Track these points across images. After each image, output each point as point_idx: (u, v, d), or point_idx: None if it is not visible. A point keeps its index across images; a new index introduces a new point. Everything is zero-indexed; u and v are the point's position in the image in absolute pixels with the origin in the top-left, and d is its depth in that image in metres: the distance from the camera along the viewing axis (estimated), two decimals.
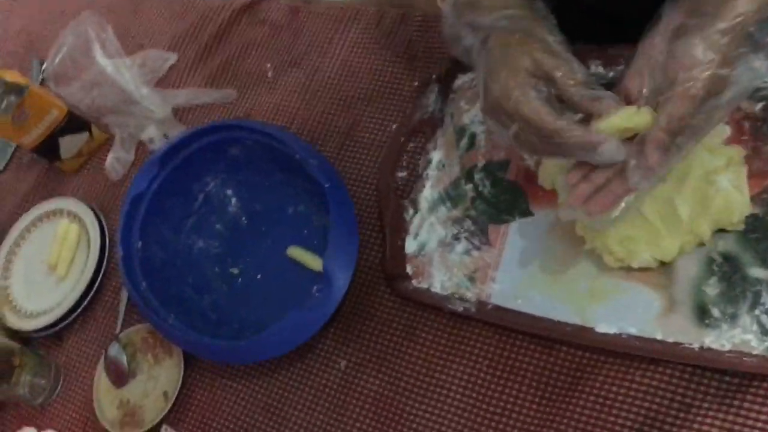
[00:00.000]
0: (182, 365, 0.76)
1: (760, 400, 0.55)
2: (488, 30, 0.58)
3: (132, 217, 0.76)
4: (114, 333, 0.81)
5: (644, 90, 0.52)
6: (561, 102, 0.55)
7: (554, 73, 0.54)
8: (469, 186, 0.72)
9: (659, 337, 0.59)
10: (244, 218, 0.82)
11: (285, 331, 0.64)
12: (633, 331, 0.60)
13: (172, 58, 0.95)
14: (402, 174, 0.75)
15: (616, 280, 0.63)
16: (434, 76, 0.78)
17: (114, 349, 0.80)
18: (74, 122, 0.92)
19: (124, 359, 0.79)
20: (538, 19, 0.57)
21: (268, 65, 0.89)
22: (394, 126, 0.79)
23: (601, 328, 0.61)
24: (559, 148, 0.53)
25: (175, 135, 0.86)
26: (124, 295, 0.83)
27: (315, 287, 0.65)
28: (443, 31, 0.62)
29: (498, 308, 0.66)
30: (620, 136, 0.52)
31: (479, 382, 0.64)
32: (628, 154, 0.52)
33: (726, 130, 0.63)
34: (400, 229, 0.72)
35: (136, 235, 0.76)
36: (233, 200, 0.82)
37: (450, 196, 0.72)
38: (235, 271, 0.80)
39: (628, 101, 0.53)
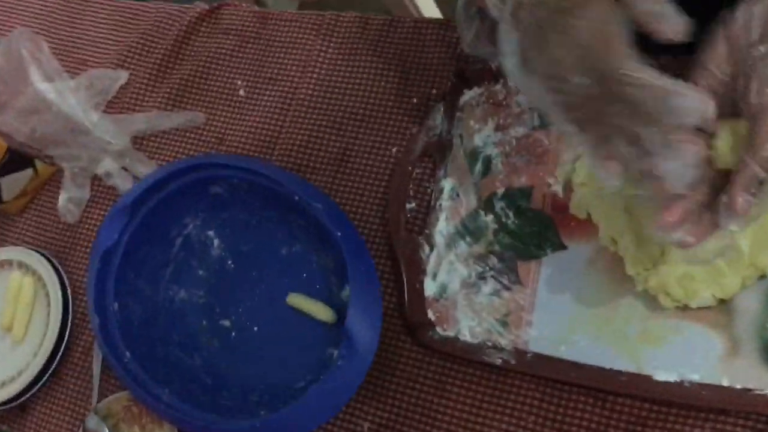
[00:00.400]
0: None
1: None
2: None
3: (104, 275, 0.66)
4: (90, 403, 0.71)
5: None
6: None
7: None
8: (490, 217, 0.65)
9: (725, 383, 0.55)
10: (230, 262, 0.73)
11: (306, 411, 0.56)
12: (695, 377, 0.55)
13: (123, 76, 0.84)
14: (411, 205, 0.68)
15: (671, 321, 0.57)
16: (434, 92, 0.71)
17: (92, 422, 0.70)
18: (15, 159, 0.80)
19: None
20: None
21: (239, 82, 0.79)
22: (395, 150, 0.71)
23: (660, 375, 0.56)
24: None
25: (144, 174, 0.75)
26: (97, 357, 0.73)
27: (335, 352, 0.57)
28: (457, 10, 0.55)
29: (539, 356, 0.60)
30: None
31: None
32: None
33: None
34: (417, 270, 0.65)
35: (110, 296, 0.66)
36: (215, 242, 0.73)
37: (468, 230, 0.65)
38: (227, 323, 0.71)
39: None
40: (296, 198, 0.62)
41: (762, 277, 0.56)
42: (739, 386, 0.54)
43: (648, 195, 0.54)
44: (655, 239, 0.57)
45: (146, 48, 0.84)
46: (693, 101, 0.42)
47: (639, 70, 0.42)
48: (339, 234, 0.59)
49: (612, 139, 0.44)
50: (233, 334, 0.70)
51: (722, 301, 0.56)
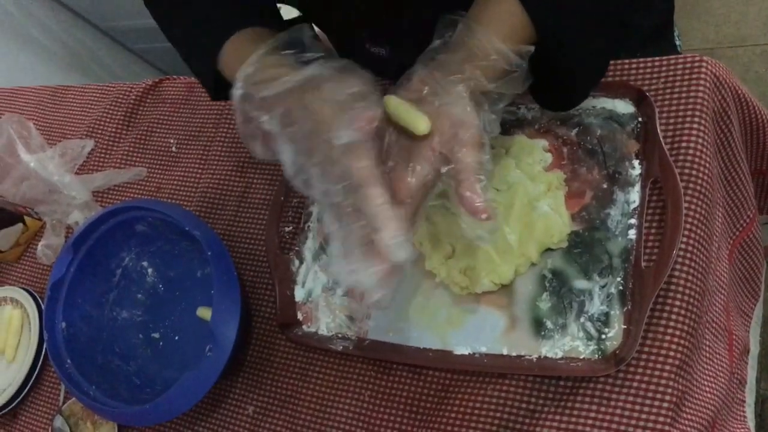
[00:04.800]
0: (116, 428, 0.83)
1: (588, 399, 0.62)
2: (282, 103, 0.55)
3: (54, 301, 0.84)
4: (57, 405, 0.89)
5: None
6: None
7: None
8: None
9: (505, 352, 0.66)
10: (161, 285, 0.90)
11: (182, 392, 0.71)
12: (483, 350, 0.67)
13: (89, 144, 1.04)
14: (288, 228, 0.83)
15: (468, 306, 0.70)
16: None
17: (58, 421, 0.88)
18: (7, 216, 1.00)
19: (68, 430, 0.87)
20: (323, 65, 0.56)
21: (172, 140, 0.97)
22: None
23: (459, 350, 0.68)
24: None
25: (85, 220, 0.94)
26: None
27: (208, 347, 0.73)
28: (239, 130, 0.60)
29: (374, 343, 0.73)
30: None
31: (364, 412, 0.71)
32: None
33: (548, 158, 0.70)
34: (288, 280, 0.80)
35: (59, 317, 0.84)
36: (150, 270, 0.90)
37: (329, 245, 0.80)
38: (157, 335, 0.87)
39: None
40: (186, 228, 0.78)
41: (534, 264, 0.68)
42: (514, 354, 0.66)
43: (441, 204, 0.68)
44: (448, 239, 0.70)
45: (106, 119, 1.04)
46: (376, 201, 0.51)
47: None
48: (209, 253, 0.74)
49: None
50: (161, 343, 0.87)
51: (505, 286, 0.68)
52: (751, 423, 0.83)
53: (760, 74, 1.62)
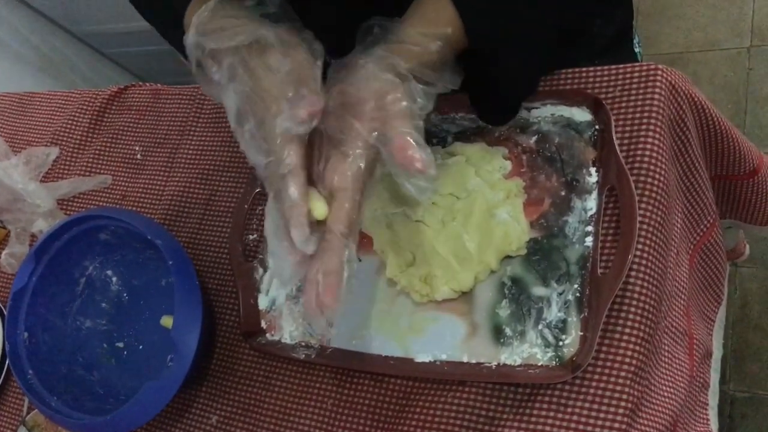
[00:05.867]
0: None
1: (546, 406, 0.62)
2: (230, 57, 0.57)
3: (16, 310, 0.83)
4: (21, 416, 0.88)
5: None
6: None
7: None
8: None
9: (465, 359, 0.67)
10: (125, 294, 0.89)
11: (143, 403, 0.71)
12: (444, 357, 0.68)
13: (54, 152, 1.03)
14: (253, 236, 0.83)
15: (429, 313, 0.70)
16: None
17: None
18: None
19: None
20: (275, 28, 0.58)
21: (137, 148, 0.97)
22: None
23: (420, 357, 0.69)
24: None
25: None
26: None
27: (169, 357, 0.72)
28: (193, 72, 0.61)
29: (336, 351, 0.73)
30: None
31: (326, 420, 0.71)
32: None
33: (507, 166, 0.70)
34: (252, 289, 0.79)
35: (21, 327, 0.83)
36: (114, 279, 0.89)
37: None
38: (121, 344, 0.87)
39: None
40: (149, 237, 0.78)
41: (493, 272, 0.68)
42: (474, 361, 0.66)
43: (401, 212, 0.68)
44: (408, 247, 0.70)
45: (71, 127, 1.03)
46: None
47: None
48: (171, 262, 0.74)
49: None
50: (125, 353, 0.86)
51: (465, 294, 0.69)
52: (714, 426, 0.84)
53: (728, 78, 1.64)
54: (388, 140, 0.54)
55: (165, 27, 0.71)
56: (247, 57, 0.57)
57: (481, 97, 0.59)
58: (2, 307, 0.96)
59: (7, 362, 0.92)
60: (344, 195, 0.54)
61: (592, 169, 0.67)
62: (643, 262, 0.62)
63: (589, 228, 0.65)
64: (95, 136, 1.01)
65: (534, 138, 0.70)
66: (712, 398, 0.85)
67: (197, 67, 0.61)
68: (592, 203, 0.66)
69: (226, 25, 0.58)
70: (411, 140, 0.53)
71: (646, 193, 0.64)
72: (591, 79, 0.70)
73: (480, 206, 0.68)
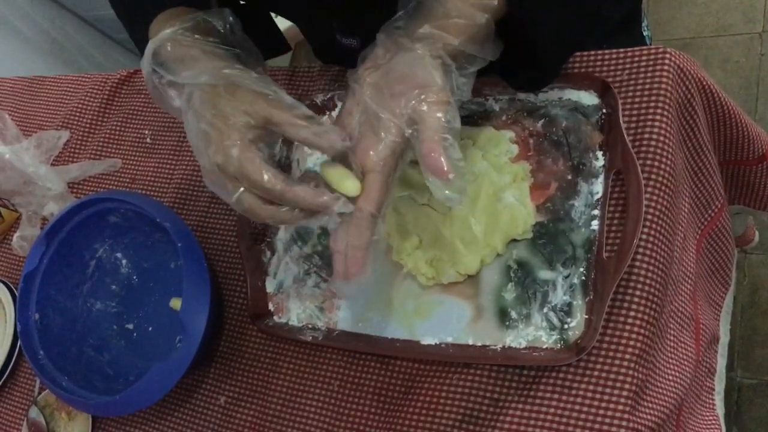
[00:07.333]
0: (90, 419, 0.84)
1: (550, 388, 0.62)
2: (191, 87, 0.59)
3: (27, 292, 0.84)
4: (33, 396, 0.90)
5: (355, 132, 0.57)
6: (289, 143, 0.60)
7: (273, 117, 0.56)
8: None
9: (470, 342, 0.67)
10: (135, 277, 0.90)
11: (152, 383, 0.71)
12: (449, 340, 0.68)
13: (65, 135, 1.03)
14: None
15: (435, 296, 0.70)
16: None
17: (33, 412, 0.88)
18: None
19: (43, 420, 0.87)
20: (246, 71, 0.59)
21: (146, 131, 0.97)
22: None
23: (426, 340, 0.69)
24: (286, 215, 0.57)
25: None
26: None
27: (178, 338, 0.73)
28: (150, 92, 0.64)
29: (343, 333, 0.74)
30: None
31: (332, 401, 0.72)
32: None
33: (514, 150, 0.70)
34: (260, 272, 0.80)
35: (33, 309, 0.84)
36: (124, 261, 0.90)
37: (300, 236, 0.80)
38: (131, 326, 0.88)
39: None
40: (157, 219, 0.78)
41: (500, 255, 0.68)
42: (479, 344, 0.67)
43: (408, 195, 0.68)
44: (415, 230, 0.70)
45: (81, 111, 1.04)
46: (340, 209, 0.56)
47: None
48: (180, 245, 0.75)
49: None
50: (135, 334, 0.87)
51: (471, 277, 0.69)
52: (720, 411, 0.84)
53: (740, 63, 1.63)
54: (421, 134, 0.54)
55: (131, 24, 0.74)
56: (215, 96, 0.58)
57: (516, 63, 0.58)
58: (14, 289, 0.97)
59: (19, 343, 0.93)
60: (374, 177, 0.55)
61: (599, 153, 0.67)
62: (649, 246, 0.62)
63: (596, 212, 0.65)
64: (105, 119, 1.02)
65: (541, 122, 0.70)
66: (719, 383, 0.85)
67: (153, 89, 0.64)
68: (598, 187, 0.66)
69: (183, 55, 0.61)
70: (441, 147, 0.53)
71: (653, 176, 0.64)
72: (599, 63, 0.70)
73: (486, 190, 0.68)
